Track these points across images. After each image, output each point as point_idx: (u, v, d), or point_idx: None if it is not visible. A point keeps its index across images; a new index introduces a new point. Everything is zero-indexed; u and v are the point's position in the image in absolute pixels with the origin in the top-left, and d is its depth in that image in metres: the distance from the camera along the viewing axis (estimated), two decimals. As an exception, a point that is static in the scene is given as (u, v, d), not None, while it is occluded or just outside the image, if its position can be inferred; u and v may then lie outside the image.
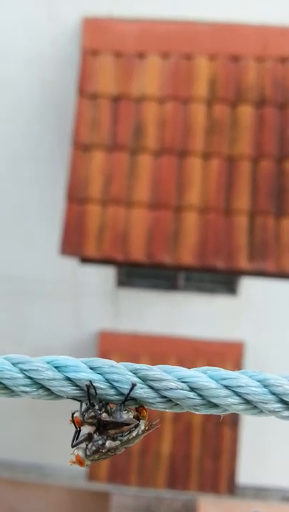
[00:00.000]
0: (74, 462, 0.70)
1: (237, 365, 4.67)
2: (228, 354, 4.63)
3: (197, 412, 0.66)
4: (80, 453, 0.69)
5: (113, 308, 4.80)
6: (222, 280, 4.50)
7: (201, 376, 0.65)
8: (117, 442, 0.68)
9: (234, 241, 3.31)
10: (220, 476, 4.67)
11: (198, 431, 4.65)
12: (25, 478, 5.90)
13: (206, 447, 4.66)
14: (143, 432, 0.69)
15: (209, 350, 4.61)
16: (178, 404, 0.65)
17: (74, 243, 3.36)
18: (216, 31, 3.52)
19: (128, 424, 0.68)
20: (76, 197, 3.38)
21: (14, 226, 4.58)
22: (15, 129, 4.11)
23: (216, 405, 0.65)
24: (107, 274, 4.57)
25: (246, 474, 5.43)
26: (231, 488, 4.69)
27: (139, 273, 4.50)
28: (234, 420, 4.68)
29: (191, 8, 3.54)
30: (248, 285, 4.47)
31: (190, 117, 3.43)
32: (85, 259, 3.44)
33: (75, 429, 0.70)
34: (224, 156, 3.39)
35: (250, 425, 5.06)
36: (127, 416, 0.67)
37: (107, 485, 5.08)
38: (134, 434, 0.68)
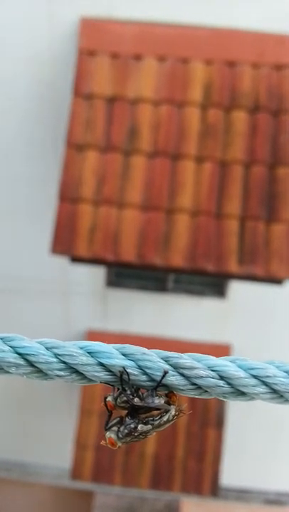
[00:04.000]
0: (106, 444, 0.72)
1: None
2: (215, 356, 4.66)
3: (225, 399, 0.68)
4: (113, 435, 0.71)
5: (102, 308, 4.81)
6: (211, 283, 4.54)
7: (231, 365, 0.67)
8: (149, 426, 0.71)
9: (224, 245, 3.34)
10: (203, 478, 4.70)
11: (182, 431, 4.67)
12: (8, 476, 5.88)
13: (190, 448, 4.68)
14: (173, 417, 0.71)
15: (196, 352, 4.64)
16: (207, 391, 0.68)
17: (65, 242, 3.36)
18: (213, 36, 3.55)
19: (159, 409, 0.70)
20: (68, 196, 3.39)
21: (4, 224, 4.57)
22: (9, 128, 4.10)
23: (243, 393, 0.67)
24: (97, 274, 4.58)
25: (229, 476, 5.47)
26: (214, 490, 4.73)
27: (128, 274, 4.51)
28: (219, 422, 4.71)
29: (189, 12, 3.56)
30: (236, 289, 4.50)
31: (184, 121, 3.45)
32: (76, 259, 3.45)
33: (107, 412, 0.72)
34: (217, 160, 3.42)
35: (233, 427, 5.10)
36: (158, 401, 0.69)
37: (91, 484, 5.09)
38: (164, 418, 0.71)
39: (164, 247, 3.35)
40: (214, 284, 4.53)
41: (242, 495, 5.82)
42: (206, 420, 4.69)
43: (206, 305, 4.60)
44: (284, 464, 5.63)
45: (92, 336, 4.91)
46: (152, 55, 3.50)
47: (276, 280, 3.43)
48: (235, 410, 5.06)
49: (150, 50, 3.50)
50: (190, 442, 4.69)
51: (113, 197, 3.38)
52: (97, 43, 3.52)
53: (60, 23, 3.68)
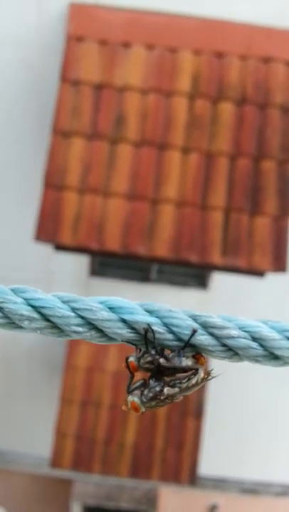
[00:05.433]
0: (128, 409, 0.66)
1: (205, 359, 4.74)
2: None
3: (257, 363, 0.63)
4: (136, 399, 0.65)
5: (85, 297, 4.80)
6: (194, 274, 4.56)
7: (263, 326, 0.62)
8: (176, 389, 0.65)
9: (208, 236, 3.36)
10: (182, 467, 4.75)
11: (162, 421, 4.71)
12: (-14, 464, 5.86)
13: (169, 438, 4.73)
14: (202, 380, 0.66)
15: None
16: (237, 354, 0.63)
17: (49, 230, 3.34)
18: (202, 27, 3.54)
19: (185, 372, 0.65)
20: (53, 184, 3.36)
21: (-12, 210, 4.52)
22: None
23: (277, 357, 0.63)
24: (80, 262, 4.56)
25: (207, 466, 5.54)
26: (192, 479, 4.79)
27: (112, 263, 4.51)
28: (198, 412, 4.76)
29: (179, 1, 3.55)
30: (218, 280, 4.54)
31: (171, 111, 3.45)
32: (60, 247, 3.44)
33: (129, 374, 0.66)
34: (203, 151, 3.43)
35: (211, 418, 5.16)
36: (186, 362, 0.64)
37: (70, 472, 5.11)
38: (193, 381, 0.65)
39: (149, 237, 3.36)
40: (197, 275, 4.56)
41: (219, 484, 5.90)
42: (186, 410, 4.73)
43: (189, 296, 4.63)
44: (259, 454, 5.73)
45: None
46: (141, 43, 3.48)
47: (258, 272, 3.47)
48: (214, 401, 5.12)
49: (139, 38, 3.48)
50: (169, 432, 4.74)
51: (98, 185, 3.37)
52: (85, 29, 3.48)
53: (49, 9, 3.63)
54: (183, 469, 4.74)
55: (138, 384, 0.66)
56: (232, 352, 0.63)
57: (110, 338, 0.63)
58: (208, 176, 3.41)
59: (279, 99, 3.46)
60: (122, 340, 0.63)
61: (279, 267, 3.35)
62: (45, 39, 3.73)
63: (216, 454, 5.59)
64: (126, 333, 0.62)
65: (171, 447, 4.73)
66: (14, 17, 3.69)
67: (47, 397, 5.34)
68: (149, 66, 3.47)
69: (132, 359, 0.65)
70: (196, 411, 4.75)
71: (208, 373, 0.67)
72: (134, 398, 0.66)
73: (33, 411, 5.52)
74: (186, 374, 0.65)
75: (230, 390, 5.23)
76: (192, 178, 3.40)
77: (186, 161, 3.42)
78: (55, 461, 4.72)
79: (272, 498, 5.89)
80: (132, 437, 4.69)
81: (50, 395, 5.29)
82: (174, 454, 4.73)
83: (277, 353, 0.62)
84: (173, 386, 0.65)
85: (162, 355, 0.63)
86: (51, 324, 0.63)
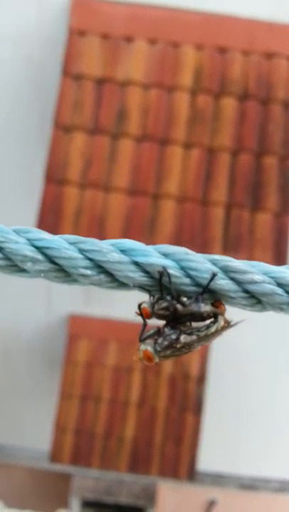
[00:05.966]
0: (141, 359, 0.61)
1: (204, 356, 4.76)
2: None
3: (281, 312, 0.57)
4: (149, 348, 0.61)
5: (84, 292, 4.81)
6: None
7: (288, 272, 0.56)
8: (194, 337, 0.60)
9: (209, 232, 3.36)
10: (181, 462, 4.77)
11: (162, 416, 4.73)
12: (-14, 458, 5.88)
13: (168, 433, 4.74)
14: (222, 328, 0.61)
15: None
16: (260, 302, 0.58)
17: (50, 225, 3.34)
18: (205, 22, 3.53)
19: (203, 319, 0.60)
20: (54, 178, 3.36)
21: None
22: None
23: None
24: (81, 257, 4.56)
25: (206, 461, 5.56)
26: (191, 474, 4.80)
27: (112, 259, 4.51)
28: (198, 407, 4.77)
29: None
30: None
31: (173, 106, 3.44)
32: (60, 241, 3.44)
33: (142, 321, 0.61)
34: (205, 146, 3.42)
35: (210, 412, 5.18)
36: (205, 308, 0.59)
37: (69, 467, 5.13)
38: (212, 329, 0.60)
39: (149, 232, 3.36)
40: (197, 272, 4.56)
41: (217, 479, 5.93)
42: (185, 405, 4.74)
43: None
44: (258, 450, 5.74)
45: (74, 320, 4.91)
46: (143, 38, 3.47)
47: (259, 268, 3.47)
48: (213, 397, 5.13)
49: (141, 33, 3.47)
50: (169, 427, 4.75)
51: (99, 180, 3.37)
52: (87, 23, 3.47)
53: (50, 3, 3.62)
54: (182, 464, 4.76)
55: (151, 332, 0.62)
56: (255, 299, 0.58)
57: (121, 284, 0.58)
58: (210, 172, 3.41)
59: (281, 94, 3.45)
60: (134, 285, 0.58)
61: (280, 263, 3.35)
62: (46, 34, 3.71)
63: (215, 450, 5.61)
64: (138, 276, 0.57)
65: (170, 442, 4.74)
66: (15, 12, 3.68)
67: (46, 392, 5.35)
68: (151, 61, 3.46)
69: (145, 305, 0.60)
70: (195, 406, 4.76)
71: (227, 322, 0.62)
72: (147, 347, 0.61)
73: (33, 405, 5.53)
74: (204, 322, 0.61)
75: (229, 385, 5.23)
76: (193, 174, 3.40)
77: (187, 157, 3.41)
78: (55, 456, 4.74)
79: (270, 493, 5.92)
80: (131, 432, 4.71)
81: (50, 389, 5.30)
82: (173, 449, 4.74)
83: None
84: (190, 334, 0.60)
85: (179, 301, 0.58)
86: (57, 267, 0.57)
